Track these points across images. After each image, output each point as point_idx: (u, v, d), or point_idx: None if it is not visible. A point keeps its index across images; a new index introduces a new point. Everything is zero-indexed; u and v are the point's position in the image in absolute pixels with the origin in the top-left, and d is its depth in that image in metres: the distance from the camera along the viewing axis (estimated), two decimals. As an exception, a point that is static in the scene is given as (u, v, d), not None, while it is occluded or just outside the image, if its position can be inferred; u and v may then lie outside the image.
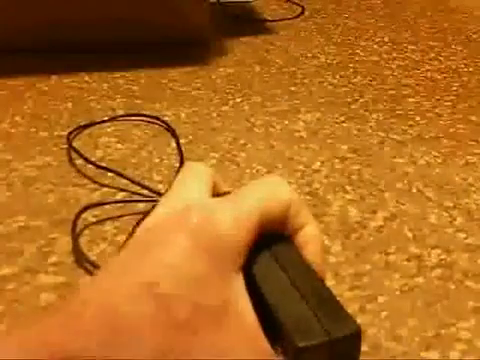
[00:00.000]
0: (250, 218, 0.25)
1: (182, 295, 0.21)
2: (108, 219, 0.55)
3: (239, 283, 0.23)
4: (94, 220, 0.54)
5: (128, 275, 0.22)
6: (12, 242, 0.51)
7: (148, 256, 0.22)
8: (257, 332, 0.22)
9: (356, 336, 0.24)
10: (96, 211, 0.55)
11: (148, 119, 0.74)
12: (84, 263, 0.49)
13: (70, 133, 0.68)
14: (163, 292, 0.21)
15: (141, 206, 0.56)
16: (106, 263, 0.24)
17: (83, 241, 0.52)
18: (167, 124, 0.72)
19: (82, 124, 0.71)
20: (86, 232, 0.53)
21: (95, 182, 0.60)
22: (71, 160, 0.64)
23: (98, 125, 0.71)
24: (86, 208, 0.54)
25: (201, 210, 0.24)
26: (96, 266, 0.49)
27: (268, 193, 0.26)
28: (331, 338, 0.23)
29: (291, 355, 0.23)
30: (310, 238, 0.27)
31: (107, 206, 0.56)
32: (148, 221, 0.26)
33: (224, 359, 0.21)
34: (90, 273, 0.48)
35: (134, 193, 0.58)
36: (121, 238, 0.52)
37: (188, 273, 0.22)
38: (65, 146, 0.67)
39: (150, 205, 0.56)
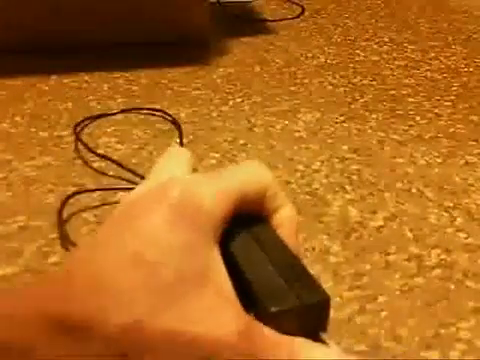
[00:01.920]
0: (229, 194, 0.26)
1: (167, 262, 0.22)
2: (108, 219, 0.55)
3: (216, 253, 0.25)
4: (94, 220, 0.54)
5: (113, 246, 0.23)
6: (12, 242, 0.51)
7: (132, 227, 0.24)
8: (233, 297, 0.24)
9: (325, 303, 0.25)
10: (97, 211, 0.56)
11: (160, 113, 0.74)
12: (69, 246, 0.49)
13: (77, 125, 0.69)
14: (150, 260, 0.22)
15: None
16: (90, 237, 0.25)
17: (84, 241, 0.51)
18: (174, 118, 0.72)
19: (95, 115, 0.73)
20: (85, 231, 0.53)
21: (95, 182, 0.60)
22: (77, 151, 0.64)
23: (98, 125, 0.71)
24: (75, 193, 0.56)
25: (182, 183, 0.25)
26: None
27: (247, 174, 0.28)
28: (302, 304, 0.24)
29: (265, 319, 0.24)
30: (286, 219, 0.29)
31: (107, 207, 0.56)
32: (129, 197, 0.26)
33: (205, 320, 0.22)
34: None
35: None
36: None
37: (171, 242, 0.23)
38: (65, 146, 0.67)
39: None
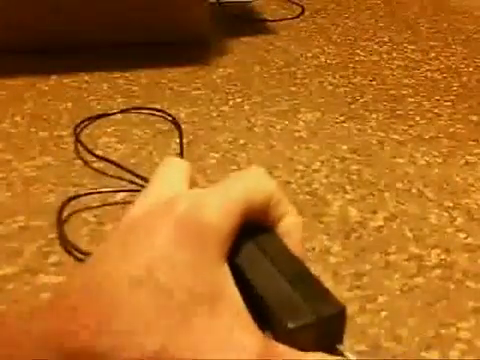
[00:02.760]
0: (236, 207, 0.25)
1: (178, 283, 0.22)
2: (109, 221, 0.55)
3: (226, 269, 0.24)
4: (94, 220, 0.54)
5: (123, 264, 0.22)
6: (12, 242, 0.51)
7: (140, 244, 0.23)
8: (247, 316, 0.23)
9: (342, 315, 0.24)
10: (96, 211, 0.56)
11: (159, 113, 0.74)
12: (69, 248, 0.50)
13: (77, 126, 0.70)
14: (161, 280, 0.22)
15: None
16: (95, 252, 0.24)
17: (83, 241, 0.51)
18: (173, 118, 0.72)
19: (95, 115, 0.73)
20: (85, 232, 0.53)
21: (95, 182, 0.60)
22: (77, 151, 0.64)
23: (98, 125, 0.71)
24: (77, 196, 0.56)
25: (188, 199, 0.25)
26: (85, 253, 0.49)
27: (252, 183, 0.27)
28: (319, 317, 0.23)
29: (281, 336, 0.23)
30: (292, 227, 0.28)
31: (108, 207, 0.56)
32: (132, 212, 0.26)
33: (219, 341, 0.21)
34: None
35: (136, 191, 0.58)
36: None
37: (181, 260, 0.22)
38: (65, 146, 0.67)
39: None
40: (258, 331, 0.23)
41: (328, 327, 0.24)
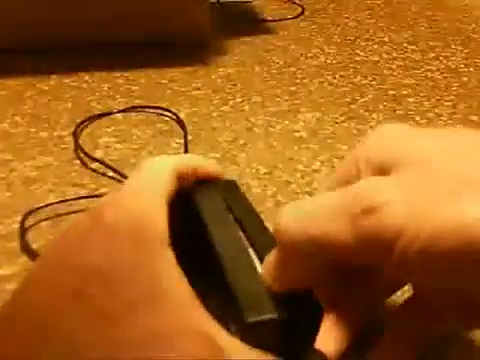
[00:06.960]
0: (161, 193, 0.25)
1: (108, 295, 0.21)
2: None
3: (167, 259, 0.23)
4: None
5: (53, 283, 0.22)
6: (12, 242, 0.51)
7: (70, 260, 0.23)
8: (188, 308, 0.22)
9: (316, 315, 0.23)
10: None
11: (162, 111, 0.74)
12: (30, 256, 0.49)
13: (77, 126, 0.69)
14: (90, 297, 0.21)
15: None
16: (31, 270, 0.24)
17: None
18: (177, 116, 0.72)
19: (97, 114, 0.73)
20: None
21: (94, 182, 0.60)
22: (77, 150, 0.65)
23: (98, 125, 0.71)
24: (31, 212, 0.53)
25: (110, 203, 0.24)
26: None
27: (170, 163, 0.28)
28: (285, 314, 0.22)
29: (241, 329, 0.22)
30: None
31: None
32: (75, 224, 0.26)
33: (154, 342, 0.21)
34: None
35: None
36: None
37: (111, 271, 0.22)
38: (65, 146, 0.67)
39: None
40: (201, 324, 0.21)
41: (298, 325, 0.22)
